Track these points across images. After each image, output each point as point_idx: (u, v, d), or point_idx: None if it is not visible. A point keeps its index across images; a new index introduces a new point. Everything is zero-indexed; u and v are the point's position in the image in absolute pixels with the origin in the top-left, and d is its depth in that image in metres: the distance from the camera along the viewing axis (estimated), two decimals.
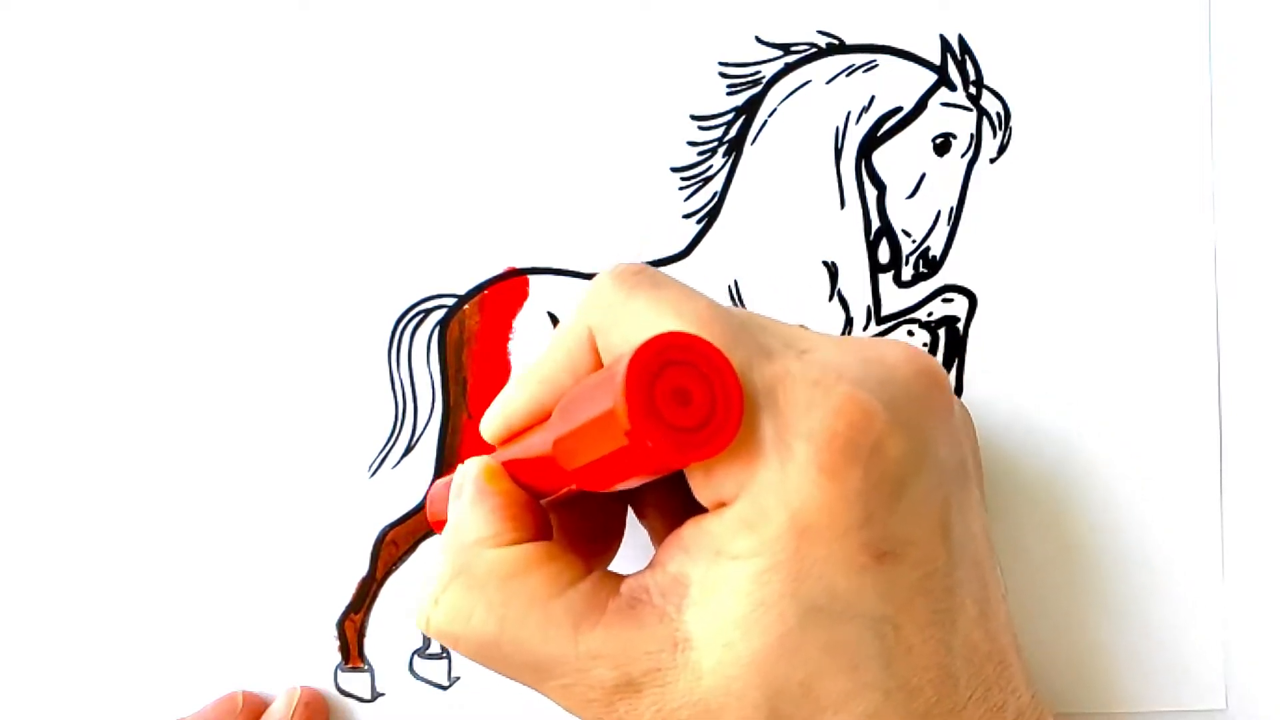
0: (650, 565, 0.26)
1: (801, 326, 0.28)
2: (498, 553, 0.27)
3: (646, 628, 0.25)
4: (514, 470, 0.29)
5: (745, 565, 0.24)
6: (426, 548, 0.36)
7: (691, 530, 0.25)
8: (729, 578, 0.24)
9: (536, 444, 0.27)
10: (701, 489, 0.25)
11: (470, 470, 0.29)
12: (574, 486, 0.26)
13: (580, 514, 0.30)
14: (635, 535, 0.32)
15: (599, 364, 0.27)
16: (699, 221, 0.36)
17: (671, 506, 0.30)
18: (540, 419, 0.28)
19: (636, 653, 0.25)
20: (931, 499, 0.25)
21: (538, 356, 0.28)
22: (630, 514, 0.32)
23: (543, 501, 0.29)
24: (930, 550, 0.25)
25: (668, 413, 0.22)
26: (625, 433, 0.22)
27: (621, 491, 0.26)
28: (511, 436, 0.29)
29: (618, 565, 0.30)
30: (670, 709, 0.25)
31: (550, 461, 0.26)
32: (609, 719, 0.26)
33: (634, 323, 0.25)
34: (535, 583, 0.26)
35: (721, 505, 0.25)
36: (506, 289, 0.36)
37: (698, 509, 0.25)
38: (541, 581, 0.26)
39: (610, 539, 0.31)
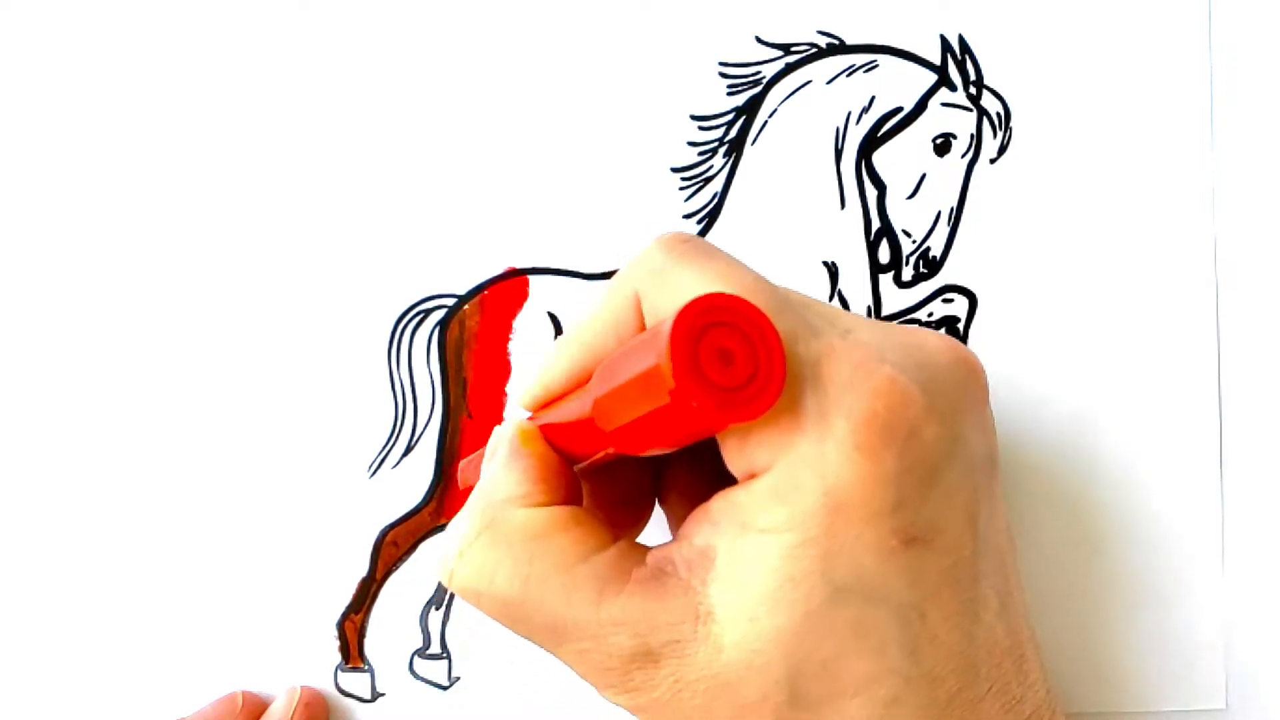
0: (676, 538, 0.26)
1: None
2: (526, 512, 0.27)
3: (669, 599, 0.25)
4: (549, 434, 0.29)
5: (775, 539, 0.24)
6: (426, 548, 0.36)
7: (720, 503, 0.25)
8: (757, 551, 0.24)
9: (574, 407, 0.27)
10: (735, 457, 0.25)
11: (506, 431, 0.29)
12: (610, 450, 0.26)
13: (612, 484, 0.30)
14: (662, 516, 0.32)
15: (642, 328, 0.27)
16: (699, 221, 0.36)
17: (695, 489, 0.29)
18: (578, 384, 0.28)
19: (657, 623, 0.25)
20: (962, 488, 0.25)
21: (580, 322, 0.28)
22: None
23: (575, 468, 0.29)
24: (958, 539, 0.25)
25: (711, 372, 0.22)
26: (669, 390, 0.22)
27: (655, 456, 0.26)
28: (549, 402, 0.29)
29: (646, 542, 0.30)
30: (688, 681, 0.25)
31: (587, 425, 0.26)
32: (624, 687, 0.25)
33: (681, 289, 0.25)
34: (561, 545, 0.26)
35: (752, 476, 0.24)
36: (506, 289, 0.36)
37: (722, 489, 0.25)
38: (568, 544, 0.26)
39: (640, 511, 0.31)
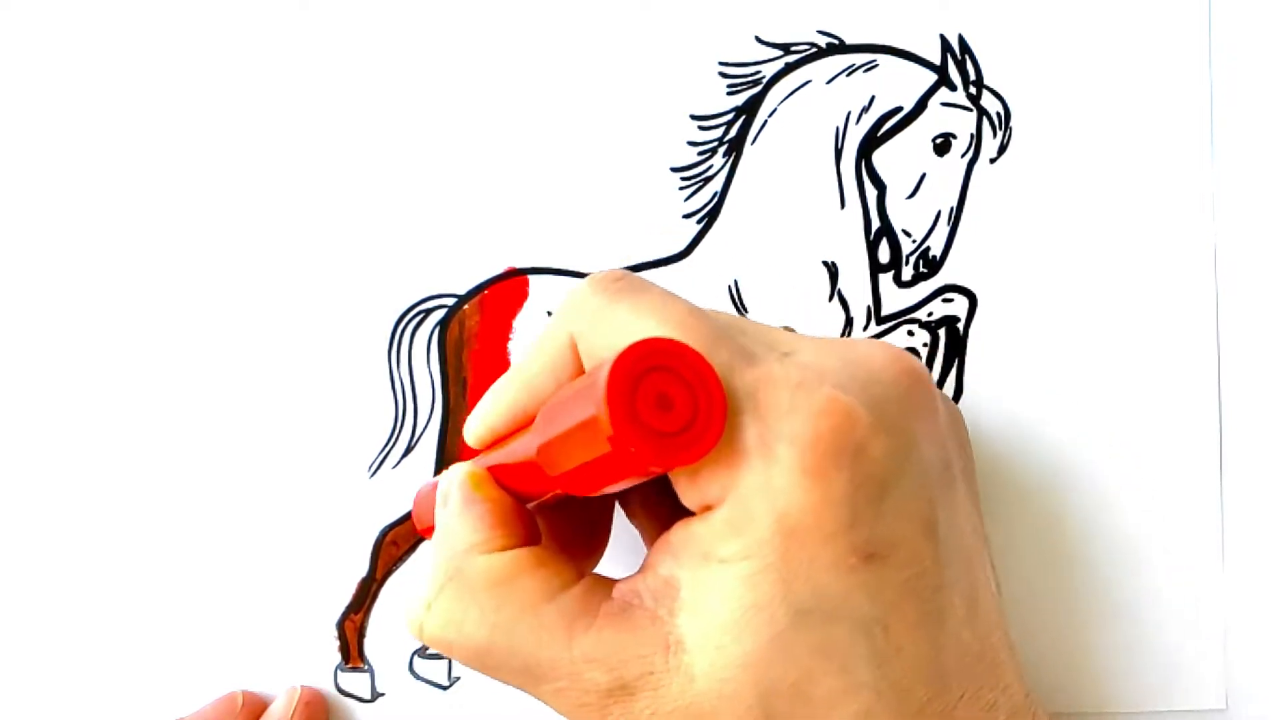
0: (642, 569, 0.26)
1: (786, 328, 0.28)
2: (488, 559, 0.27)
3: (639, 631, 0.25)
4: (500, 475, 0.29)
5: (734, 569, 0.24)
6: (426, 548, 0.36)
7: (680, 533, 0.25)
8: (718, 581, 0.24)
9: (521, 449, 0.27)
10: (687, 493, 0.25)
11: (455, 477, 0.29)
12: (559, 491, 0.26)
13: (567, 517, 0.30)
14: (631, 538, 0.32)
15: (581, 369, 0.27)
16: (699, 221, 0.36)
17: (660, 507, 0.30)
18: (524, 424, 0.28)
19: (629, 656, 0.25)
20: (916, 499, 0.25)
21: (519, 362, 0.28)
22: (622, 514, 0.32)
23: (529, 505, 0.29)
24: (916, 551, 0.25)
25: (650, 418, 0.22)
26: (608, 439, 0.22)
27: (608, 494, 0.26)
28: (496, 441, 0.29)
29: (611, 568, 0.30)
30: (664, 712, 0.25)
31: (535, 466, 0.26)
32: None
33: (616, 328, 0.25)
34: (527, 588, 0.26)
35: (708, 509, 0.25)
36: (506, 289, 0.36)
37: (686, 510, 0.26)
38: (533, 586, 0.26)
39: (597, 541, 0.31)
